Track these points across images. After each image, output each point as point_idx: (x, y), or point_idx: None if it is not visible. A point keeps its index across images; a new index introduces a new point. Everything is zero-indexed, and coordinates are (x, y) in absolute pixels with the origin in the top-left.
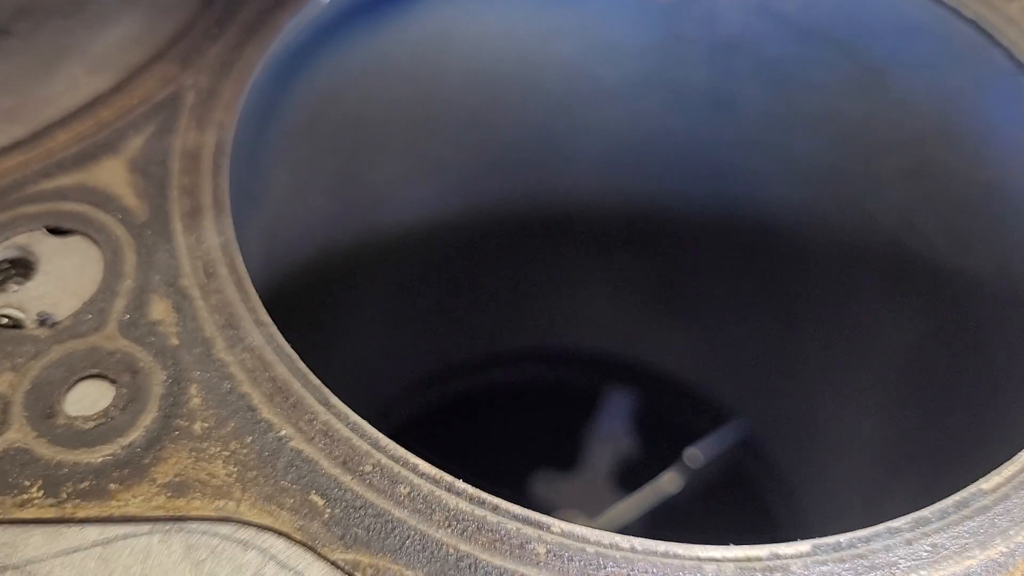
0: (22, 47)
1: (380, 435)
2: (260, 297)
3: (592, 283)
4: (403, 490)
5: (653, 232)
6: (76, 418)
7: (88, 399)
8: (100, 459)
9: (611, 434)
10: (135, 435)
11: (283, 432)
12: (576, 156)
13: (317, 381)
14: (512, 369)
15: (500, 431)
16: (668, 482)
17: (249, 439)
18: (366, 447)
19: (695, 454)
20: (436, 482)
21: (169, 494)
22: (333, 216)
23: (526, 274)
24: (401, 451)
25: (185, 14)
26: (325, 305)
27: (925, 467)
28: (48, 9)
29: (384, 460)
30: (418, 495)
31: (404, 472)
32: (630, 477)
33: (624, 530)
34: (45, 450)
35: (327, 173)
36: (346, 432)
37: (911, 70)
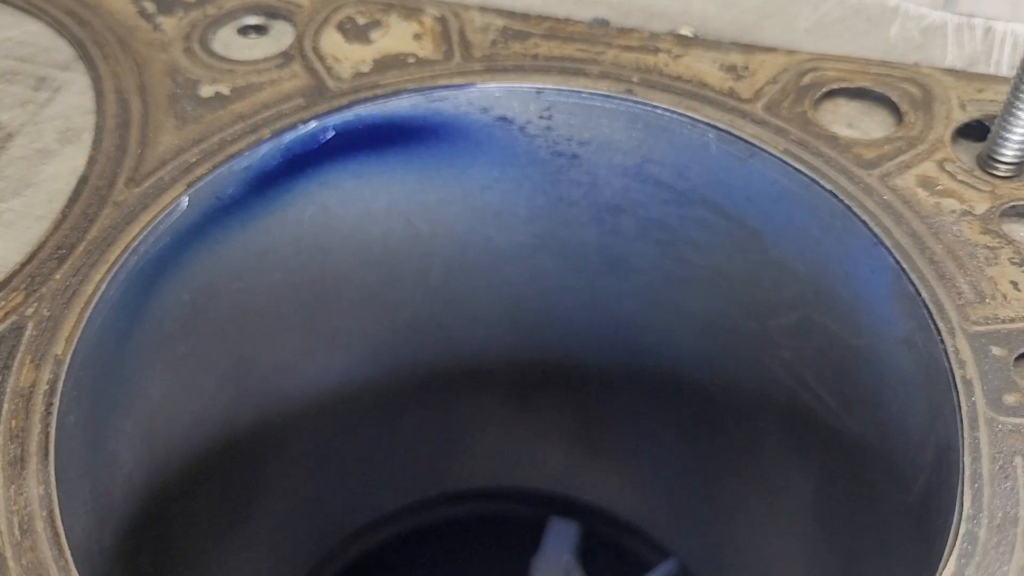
0: None
1: None
2: (143, 497)
3: (517, 427)
4: None
5: (568, 380)
6: None
7: None
8: None
9: (553, 568)
10: None
11: None
12: (481, 315)
13: None
14: (450, 508)
15: (443, 569)
16: None
17: None
18: None
19: None
20: None
21: None
22: (228, 403)
23: (450, 424)
24: None
25: (36, 237)
26: (233, 485)
27: None
28: None
29: None
30: None
31: None
32: None
33: None
34: None
35: (214, 364)
36: None
37: (784, 233)
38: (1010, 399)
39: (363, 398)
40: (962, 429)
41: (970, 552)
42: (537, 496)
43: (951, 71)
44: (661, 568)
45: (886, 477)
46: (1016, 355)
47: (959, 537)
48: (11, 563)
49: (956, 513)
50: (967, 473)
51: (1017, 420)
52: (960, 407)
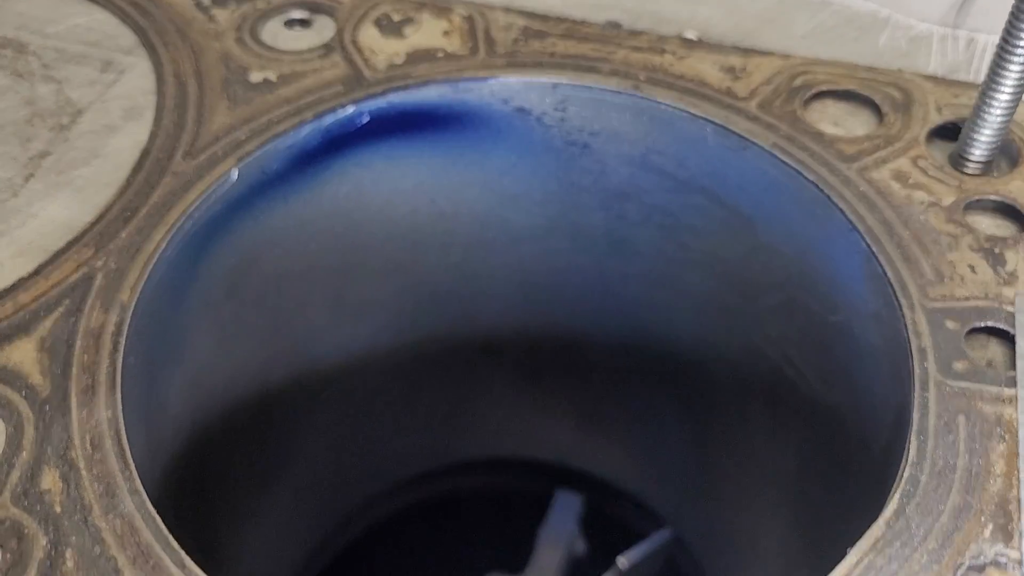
0: None
1: None
2: (187, 440)
3: (526, 401)
4: None
5: (575, 355)
6: None
7: None
8: None
9: (558, 538)
10: None
11: None
12: (496, 292)
13: (176, 545)
14: (461, 479)
15: (452, 537)
16: None
17: None
18: None
19: (624, 560)
20: None
21: None
22: (263, 363)
23: (464, 395)
24: None
25: (104, 200)
26: (267, 438)
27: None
28: None
29: None
30: None
31: None
32: None
33: None
34: None
35: (253, 326)
36: None
37: (773, 220)
38: (959, 366)
39: (385, 367)
40: (915, 391)
41: (912, 493)
42: (544, 467)
43: (932, 77)
44: (656, 537)
45: (856, 440)
46: (967, 329)
47: (903, 480)
48: (84, 473)
49: (903, 460)
50: (915, 427)
51: (963, 384)
52: (914, 372)
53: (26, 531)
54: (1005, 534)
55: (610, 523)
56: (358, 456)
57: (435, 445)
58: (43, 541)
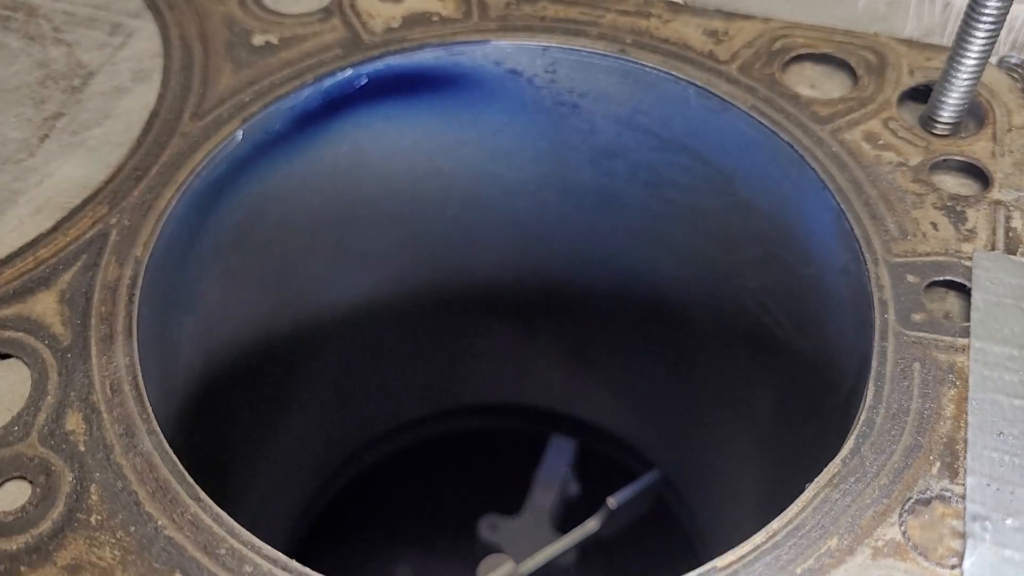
0: None
1: (235, 524)
2: (199, 384)
3: (522, 348)
4: (248, 569)
5: (567, 304)
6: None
7: (10, 497)
8: (15, 547)
9: (552, 480)
10: (44, 526)
11: (160, 522)
12: (492, 244)
13: (191, 480)
14: (459, 422)
15: (451, 479)
16: (592, 523)
17: (133, 528)
18: (223, 533)
19: (613, 500)
20: (274, 562)
21: (66, 574)
22: (271, 310)
23: (462, 341)
24: (248, 536)
25: (116, 160)
26: (273, 382)
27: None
28: (4, 157)
29: (236, 544)
30: (259, 572)
31: (250, 554)
32: (569, 518)
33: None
34: None
35: (260, 275)
36: (208, 522)
37: (751, 178)
38: (917, 317)
39: (386, 315)
40: (875, 340)
41: (867, 434)
42: (538, 412)
43: (906, 41)
44: (644, 479)
45: (824, 385)
46: (927, 283)
47: (860, 423)
48: (104, 415)
49: (861, 404)
50: (873, 374)
51: (920, 334)
52: (875, 322)
53: (53, 468)
54: (951, 471)
55: (601, 465)
56: (360, 399)
57: (434, 390)
58: (69, 477)
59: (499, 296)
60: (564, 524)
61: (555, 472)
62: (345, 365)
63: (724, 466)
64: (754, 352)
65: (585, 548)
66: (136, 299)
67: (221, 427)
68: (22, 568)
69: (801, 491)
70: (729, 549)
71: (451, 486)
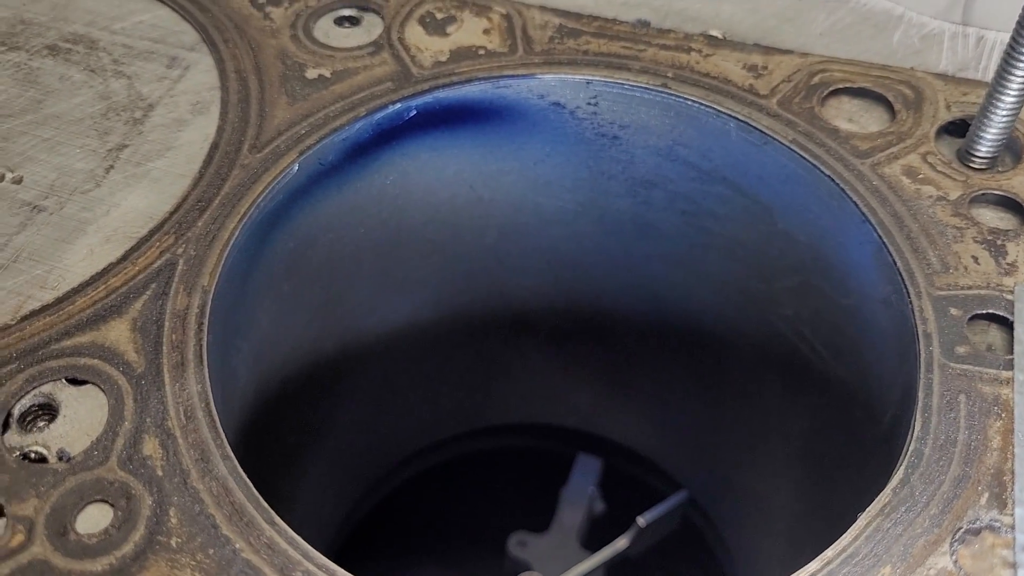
0: (53, 220)
1: (309, 547)
2: (252, 408)
3: (553, 371)
4: None
5: (599, 330)
6: (83, 535)
7: (93, 520)
8: (100, 568)
9: (579, 498)
10: (127, 548)
11: (237, 545)
12: (528, 271)
13: (265, 504)
14: (490, 441)
15: (481, 496)
16: (622, 541)
17: (212, 551)
18: (298, 557)
19: (643, 520)
20: None
21: None
22: (317, 333)
23: (495, 364)
24: (323, 560)
25: (180, 191)
26: (317, 403)
27: (827, 529)
28: (72, 187)
29: (311, 567)
30: None
31: None
32: (596, 536)
33: None
34: (59, 561)
35: (309, 301)
36: (284, 545)
37: (791, 209)
38: (961, 350)
39: (423, 338)
40: (920, 372)
41: (916, 464)
42: (567, 432)
43: (942, 75)
44: (673, 498)
45: (864, 413)
46: (969, 315)
47: (908, 453)
48: (180, 441)
49: (909, 435)
50: (920, 405)
51: (964, 366)
52: (920, 354)
53: (133, 492)
54: (1000, 502)
55: (628, 484)
56: (397, 419)
57: (468, 410)
58: (149, 500)
59: (533, 320)
60: (590, 542)
61: (582, 490)
62: (382, 386)
63: (754, 489)
64: (788, 379)
65: (613, 565)
66: (205, 327)
67: (268, 447)
68: None
69: (839, 517)
70: (757, 573)
71: (481, 504)
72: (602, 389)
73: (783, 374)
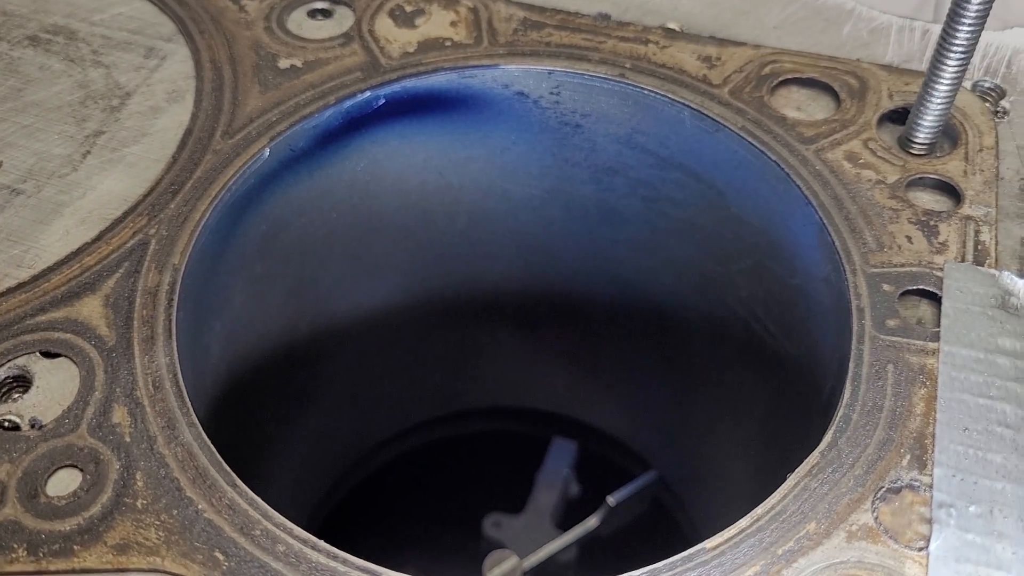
0: (30, 203)
1: (268, 507)
2: (225, 384)
3: (525, 354)
4: (281, 548)
5: (570, 314)
6: (53, 498)
7: (63, 483)
8: (68, 528)
9: (554, 480)
10: (94, 510)
11: (200, 506)
12: (499, 256)
13: (228, 468)
14: (465, 424)
15: (456, 479)
16: (592, 521)
17: (175, 511)
18: (257, 516)
19: (612, 499)
20: (304, 542)
21: (115, 553)
22: (291, 315)
23: (469, 347)
24: (281, 519)
25: (154, 175)
26: (293, 384)
27: None
28: (50, 171)
29: (269, 526)
30: (291, 551)
31: (282, 535)
32: (570, 517)
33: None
34: (30, 521)
35: (282, 282)
36: (244, 506)
37: (742, 194)
38: (891, 323)
39: (397, 321)
40: (852, 344)
41: (844, 429)
42: (541, 415)
43: (886, 67)
44: (642, 478)
45: (809, 387)
46: (901, 291)
47: (837, 419)
48: (148, 409)
49: (839, 402)
50: (850, 375)
51: (894, 339)
52: (852, 328)
53: (102, 457)
54: (920, 463)
55: (603, 466)
56: (372, 402)
57: (441, 393)
58: (116, 465)
59: (504, 304)
60: (565, 522)
61: (556, 473)
62: (357, 369)
63: (718, 466)
64: (746, 358)
65: (585, 544)
66: (175, 303)
67: (241, 429)
68: (75, 547)
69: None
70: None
71: (457, 486)
72: (575, 372)
73: (741, 354)
